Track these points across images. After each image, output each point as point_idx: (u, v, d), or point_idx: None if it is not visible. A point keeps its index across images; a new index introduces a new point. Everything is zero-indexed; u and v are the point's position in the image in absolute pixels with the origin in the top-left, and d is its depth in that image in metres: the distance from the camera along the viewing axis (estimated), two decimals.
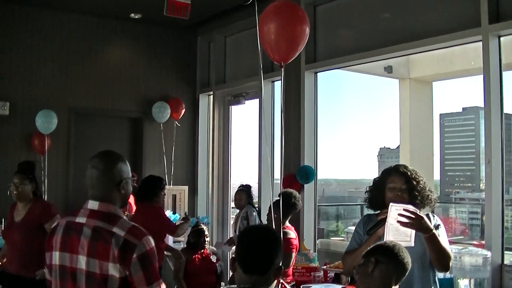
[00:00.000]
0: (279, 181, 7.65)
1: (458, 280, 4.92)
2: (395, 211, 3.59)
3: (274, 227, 6.10)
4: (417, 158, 11.57)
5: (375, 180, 4.11)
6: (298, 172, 7.30)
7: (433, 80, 11.55)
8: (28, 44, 8.66)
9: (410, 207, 3.59)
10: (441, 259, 3.70)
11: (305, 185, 7.39)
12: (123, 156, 3.20)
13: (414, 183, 3.89)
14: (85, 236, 2.94)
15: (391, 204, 3.66)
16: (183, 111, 9.64)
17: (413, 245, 3.62)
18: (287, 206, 5.94)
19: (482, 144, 6.03)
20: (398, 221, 3.56)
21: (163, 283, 2.95)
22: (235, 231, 8.03)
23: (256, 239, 2.87)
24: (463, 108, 18.16)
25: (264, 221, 7.29)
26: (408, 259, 2.97)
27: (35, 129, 8.29)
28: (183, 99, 9.72)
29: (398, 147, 12.83)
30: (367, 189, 4.14)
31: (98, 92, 9.19)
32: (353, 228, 12.25)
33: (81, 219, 3.02)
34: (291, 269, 5.96)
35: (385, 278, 2.91)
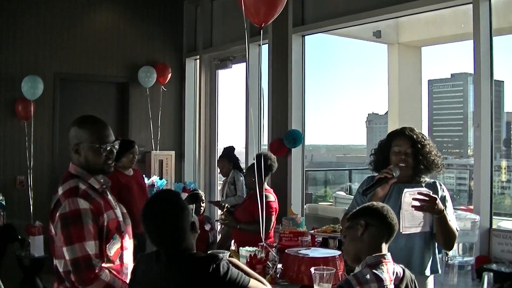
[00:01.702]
0: (266, 146, 7.61)
1: None
2: (409, 196, 3.51)
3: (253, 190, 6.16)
4: (405, 123, 11.44)
5: (380, 143, 4.02)
6: (285, 137, 7.23)
7: (422, 45, 11.49)
8: (13, 9, 8.44)
9: (424, 190, 3.52)
10: (447, 239, 3.65)
11: (292, 149, 7.33)
12: (78, 120, 3.26)
13: (419, 146, 3.79)
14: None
15: (405, 190, 3.57)
16: (170, 75, 9.50)
17: (428, 229, 3.61)
18: (263, 169, 5.93)
19: (470, 110, 5.98)
20: (413, 206, 3.49)
21: (89, 247, 2.94)
22: (222, 196, 7.98)
23: (159, 220, 2.77)
24: (451, 74, 18.11)
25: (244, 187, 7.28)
26: (396, 220, 2.90)
27: (19, 95, 8.15)
28: (169, 64, 9.57)
29: (386, 112, 12.82)
30: (372, 152, 4.06)
31: (84, 57, 9.00)
32: (341, 193, 12.32)
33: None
34: (272, 231, 5.97)
35: (375, 241, 2.85)
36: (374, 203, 2.98)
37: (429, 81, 18.05)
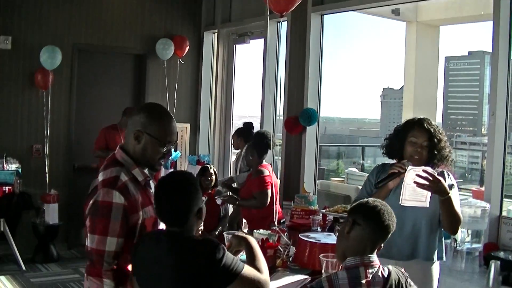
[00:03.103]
0: (281, 118, 7.63)
1: None
2: (413, 172, 3.57)
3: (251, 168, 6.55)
4: (420, 99, 11.59)
5: (396, 129, 4.05)
6: (301, 115, 7.25)
7: (440, 24, 11.46)
8: None
9: (429, 169, 3.56)
10: (452, 222, 3.70)
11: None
12: (151, 108, 3.16)
13: (436, 141, 3.82)
14: None
15: (409, 167, 3.63)
16: (187, 48, 9.51)
17: (428, 205, 3.64)
18: (260, 147, 6.36)
19: (486, 89, 6.00)
20: (415, 182, 3.54)
21: (108, 243, 2.87)
22: (236, 170, 8.03)
23: (170, 192, 2.85)
24: (468, 52, 18.02)
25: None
26: (389, 221, 2.78)
27: (37, 64, 8.16)
28: (187, 37, 9.57)
29: (401, 88, 12.85)
30: (387, 136, 4.08)
31: (102, 28, 9.02)
32: (353, 169, 12.38)
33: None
34: (277, 205, 6.05)
35: (359, 242, 2.75)
36: (370, 200, 2.87)
37: (445, 58, 17.99)
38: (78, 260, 8.11)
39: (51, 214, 7.98)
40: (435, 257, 3.89)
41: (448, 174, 3.90)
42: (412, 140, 3.85)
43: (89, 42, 8.94)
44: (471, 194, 9.82)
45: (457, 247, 4.99)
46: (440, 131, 3.88)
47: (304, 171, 7.40)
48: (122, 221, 2.89)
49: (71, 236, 8.67)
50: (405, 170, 3.71)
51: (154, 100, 9.22)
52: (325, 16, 7.49)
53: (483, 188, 5.84)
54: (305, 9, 7.29)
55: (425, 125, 3.86)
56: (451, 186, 3.75)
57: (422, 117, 3.97)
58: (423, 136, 3.83)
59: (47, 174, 8.36)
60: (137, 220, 2.97)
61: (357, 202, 2.91)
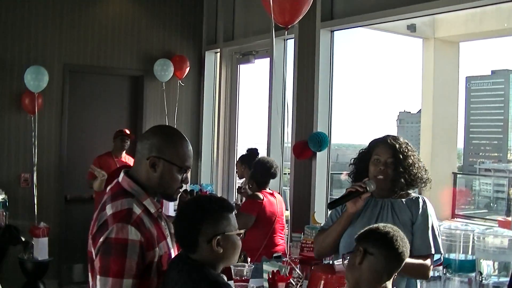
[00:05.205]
0: (289, 145, 7.59)
1: (481, 260, 4.87)
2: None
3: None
4: (440, 124, 11.53)
5: (360, 152, 3.92)
6: (310, 139, 7.21)
7: (460, 40, 11.44)
8: None
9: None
10: (415, 275, 3.60)
11: (317, 152, 7.31)
12: (173, 134, 3.06)
13: (401, 157, 3.67)
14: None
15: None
16: (188, 69, 9.51)
17: None
18: (265, 175, 6.34)
19: (511, 111, 5.94)
20: None
21: (124, 286, 2.71)
22: (240, 200, 7.98)
23: (180, 217, 2.85)
24: (492, 71, 17.94)
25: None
26: (403, 248, 2.75)
27: (25, 87, 8.13)
28: (187, 57, 9.57)
29: (419, 111, 12.79)
30: (351, 161, 3.94)
31: (96, 47, 9.04)
32: None
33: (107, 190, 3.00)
34: (277, 237, 6.18)
35: (374, 272, 2.71)
36: (380, 226, 2.83)
37: (467, 78, 17.89)
38: None
39: (41, 249, 7.89)
40: None
41: (424, 202, 3.74)
42: (375, 159, 3.72)
43: (82, 62, 8.94)
44: (496, 225, 9.74)
45: (483, 281, 4.88)
46: (409, 147, 3.76)
47: (314, 200, 7.34)
48: (138, 259, 2.74)
49: (62, 273, 8.62)
50: (366, 189, 3.58)
51: (152, 124, 9.13)
52: (335, 32, 7.48)
53: (510, 218, 5.77)
54: (313, 25, 7.28)
55: (389, 140, 3.74)
56: (426, 215, 3.66)
57: (388, 134, 3.86)
58: (387, 152, 3.69)
59: (36, 206, 8.27)
60: (153, 258, 2.83)
61: (366, 229, 2.86)
